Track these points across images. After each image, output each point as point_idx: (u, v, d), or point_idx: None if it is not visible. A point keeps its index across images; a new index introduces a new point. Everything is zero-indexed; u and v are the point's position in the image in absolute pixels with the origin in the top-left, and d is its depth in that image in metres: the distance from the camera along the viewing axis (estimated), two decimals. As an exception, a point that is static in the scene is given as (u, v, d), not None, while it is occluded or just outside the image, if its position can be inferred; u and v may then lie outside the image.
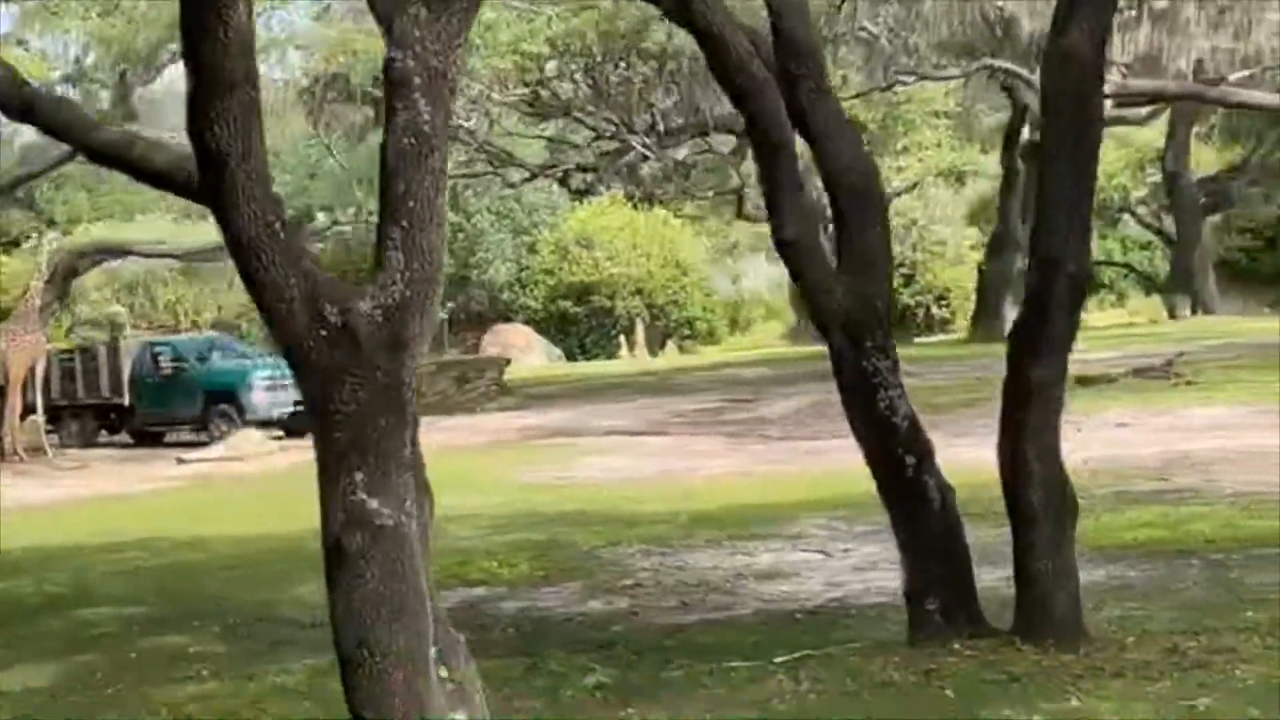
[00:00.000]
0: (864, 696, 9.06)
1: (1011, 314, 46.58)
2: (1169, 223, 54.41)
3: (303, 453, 29.85)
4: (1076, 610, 9.65)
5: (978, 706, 8.61)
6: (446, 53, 6.77)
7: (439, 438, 30.65)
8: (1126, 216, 56.80)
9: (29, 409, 33.76)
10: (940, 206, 53.30)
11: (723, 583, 13.41)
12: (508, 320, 55.15)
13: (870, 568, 13.59)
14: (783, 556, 14.45)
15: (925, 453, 10.00)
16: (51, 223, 51.76)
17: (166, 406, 35.08)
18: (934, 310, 53.59)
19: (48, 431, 34.41)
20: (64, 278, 36.93)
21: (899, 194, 49.10)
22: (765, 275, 61.37)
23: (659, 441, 26.09)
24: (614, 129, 42.38)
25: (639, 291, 55.58)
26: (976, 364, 36.65)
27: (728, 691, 9.44)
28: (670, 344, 56.38)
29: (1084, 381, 28.06)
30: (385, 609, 6.71)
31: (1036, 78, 38.41)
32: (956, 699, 8.81)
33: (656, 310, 56.10)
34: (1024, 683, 8.97)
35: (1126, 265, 57.38)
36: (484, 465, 25.29)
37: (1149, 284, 56.79)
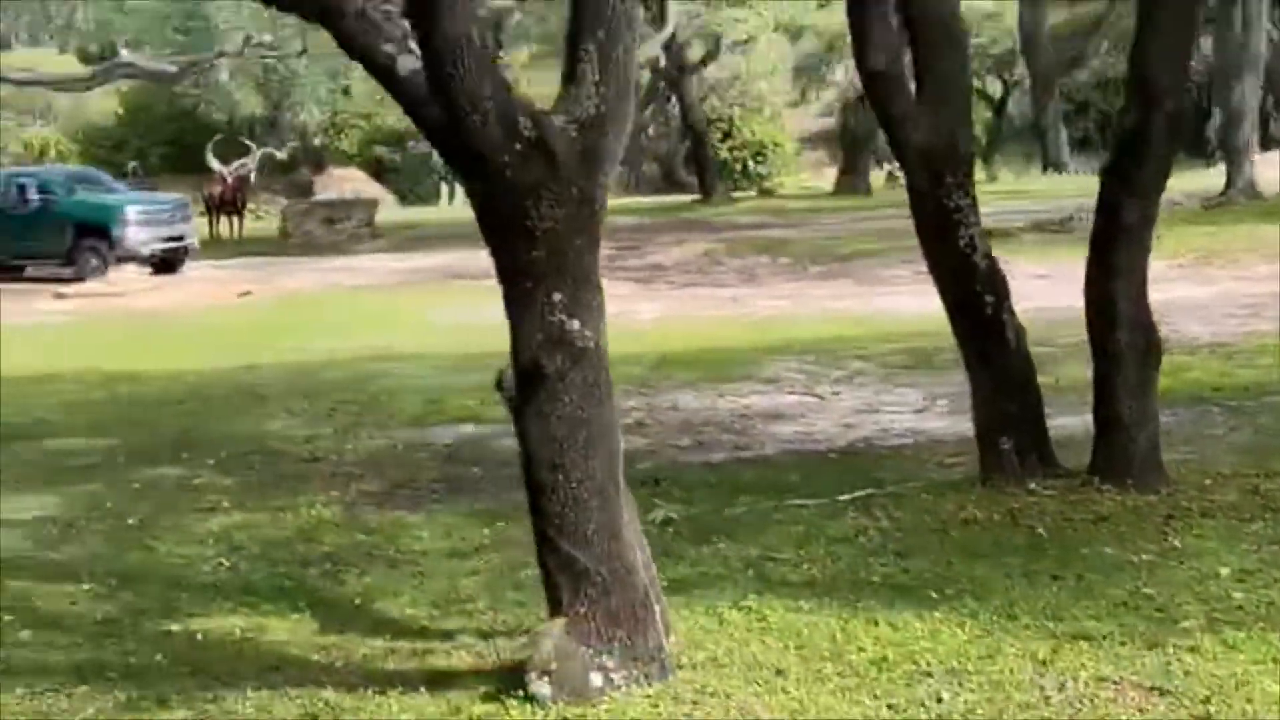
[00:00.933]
0: (952, 534, 8.95)
1: (874, 169, 46.89)
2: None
3: (180, 288, 29.53)
4: (1156, 453, 9.65)
5: (1078, 545, 8.54)
6: None
7: (325, 278, 30.34)
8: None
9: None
10: (771, 62, 52.55)
11: (729, 423, 13.20)
12: (320, 167, 53.43)
13: (871, 410, 13.51)
14: (775, 399, 14.24)
15: (1003, 292, 9.91)
16: None
17: (32, 240, 33.86)
18: (750, 165, 52.83)
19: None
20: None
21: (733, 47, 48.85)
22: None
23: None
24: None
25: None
26: (854, 216, 36.92)
27: (806, 527, 9.29)
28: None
29: (987, 234, 28.18)
30: (582, 433, 6.54)
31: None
32: (1050, 539, 8.74)
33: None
34: (1114, 522, 8.93)
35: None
36: (391, 306, 24.87)
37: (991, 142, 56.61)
